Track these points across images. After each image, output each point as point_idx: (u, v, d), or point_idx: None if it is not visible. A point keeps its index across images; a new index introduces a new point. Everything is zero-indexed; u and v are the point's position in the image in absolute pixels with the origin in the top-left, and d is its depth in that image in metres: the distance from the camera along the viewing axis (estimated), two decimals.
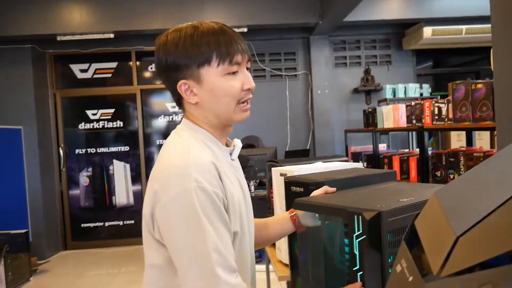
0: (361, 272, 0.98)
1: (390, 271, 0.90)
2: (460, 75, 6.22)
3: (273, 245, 2.24)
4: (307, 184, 1.38)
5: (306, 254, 1.33)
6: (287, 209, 1.53)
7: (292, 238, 1.40)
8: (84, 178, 5.90)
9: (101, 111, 5.89)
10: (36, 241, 5.19)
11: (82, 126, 5.88)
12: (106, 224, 5.92)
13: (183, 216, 0.91)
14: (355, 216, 0.98)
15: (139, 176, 5.91)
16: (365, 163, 4.09)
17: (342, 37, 5.86)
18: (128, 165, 5.89)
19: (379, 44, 5.94)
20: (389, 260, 0.97)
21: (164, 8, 5.07)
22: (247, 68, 1.06)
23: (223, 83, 1.01)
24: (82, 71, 5.89)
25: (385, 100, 5.05)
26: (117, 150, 5.90)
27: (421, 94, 5.10)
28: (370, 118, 4.39)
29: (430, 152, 3.27)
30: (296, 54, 5.85)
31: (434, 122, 3.24)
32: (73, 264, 5.27)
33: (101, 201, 5.93)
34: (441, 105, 3.20)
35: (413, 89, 5.03)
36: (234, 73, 1.02)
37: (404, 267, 0.68)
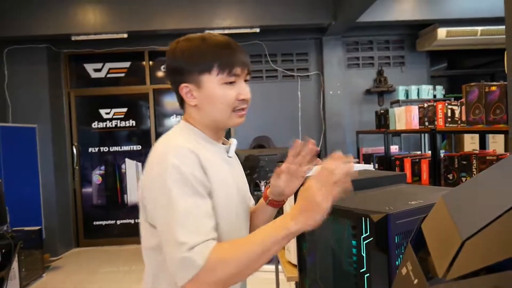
0: (368, 274, 0.98)
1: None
2: (475, 77, 6.14)
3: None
4: None
5: (314, 256, 1.33)
6: None
7: (301, 240, 1.40)
8: (96, 176, 5.97)
9: (114, 110, 5.95)
10: (49, 238, 5.26)
11: (95, 125, 5.95)
12: (118, 222, 5.98)
13: (160, 195, 1.00)
14: (363, 218, 0.98)
15: None
16: (376, 165, 4.07)
17: (355, 38, 5.83)
18: (140, 164, 5.94)
19: (392, 45, 5.90)
20: (397, 263, 0.97)
21: (178, 8, 5.10)
22: (246, 81, 1.16)
23: (220, 91, 1.11)
24: (96, 70, 5.96)
25: (398, 101, 5.02)
26: (129, 149, 5.96)
27: (435, 96, 5.05)
28: (382, 120, 4.36)
29: (442, 155, 3.24)
30: (308, 55, 5.83)
31: (447, 125, 3.22)
32: (85, 261, 5.33)
33: (113, 199, 5.99)
34: (454, 107, 3.17)
35: (427, 91, 4.98)
36: (231, 83, 1.11)
37: (409, 269, 0.68)
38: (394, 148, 4.58)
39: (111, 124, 5.95)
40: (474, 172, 2.89)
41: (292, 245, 1.89)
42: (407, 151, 4.82)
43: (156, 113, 5.97)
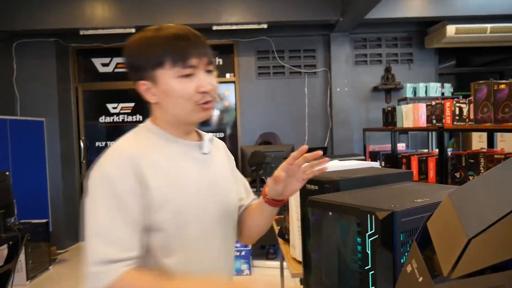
0: (372, 272, 0.98)
1: None
2: (484, 75, 6.09)
3: (287, 242, 2.25)
4: (322, 182, 1.38)
5: (319, 252, 1.33)
6: (302, 207, 1.54)
7: (306, 236, 1.40)
8: None
9: (121, 104, 5.98)
10: (56, 231, 5.30)
11: (102, 119, 5.97)
12: None
13: (88, 200, 1.01)
14: (368, 215, 0.98)
15: None
16: (383, 163, 4.06)
17: (363, 35, 5.80)
18: None
19: (400, 42, 5.86)
20: (402, 261, 0.96)
21: (185, 3, 5.10)
22: (209, 71, 1.09)
23: (176, 85, 1.05)
24: (104, 65, 5.98)
25: (405, 99, 4.99)
26: None
27: (443, 94, 5.02)
28: (389, 117, 4.34)
29: (450, 153, 3.22)
30: (316, 51, 5.82)
31: (455, 123, 3.20)
32: None
33: None
34: (462, 105, 3.15)
35: (435, 89, 4.96)
36: (188, 75, 1.05)
37: (414, 267, 0.68)
38: (401, 146, 4.56)
39: (118, 118, 5.97)
40: (482, 171, 2.87)
41: (297, 242, 1.89)
42: (414, 149, 4.80)
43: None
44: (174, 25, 1.09)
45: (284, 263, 2.57)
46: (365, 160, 3.81)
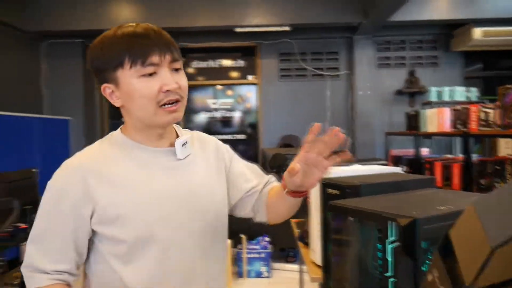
0: (393, 279, 0.97)
1: None
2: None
3: (307, 245, 2.24)
4: (343, 187, 1.37)
5: (339, 257, 1.33)
6: (322, 211, 1.53)
7: (326, 240, 1.39)
8: None
9: None
10: None
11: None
12: None
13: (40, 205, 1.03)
14: (389, 221, 0.97)
15: None
16: (405, 168, 4.00)
17: (387, 37, 5.74)
18: None
19: (425, 45, 5.78)
20: (424, 269, 0.95)
21: (208, 6, 5.15)
22: (176, 69, 1.03)
23: (137, 85, 0.99)
24: None
25: (430, 103, 4.91)
26: None
27: (469, 98, 4.92)
28: (413, 121, 4.28)
29: (475, 159, 3.15)
30: (338, 54, 5.79)
31: (480, 128, 3.13)
32: None
33: None
34: (488, 110, 3.09)
35: (460, 93, 4.86)
36: (151, 74, 0.99)
37: (435, 276, 0.67)
38: (424, 151, 4.49)
39: None
40: (508, 178, 2.80)
41: (317, 246, 1.88)
42: (438, 154, 4.72)
43: (186, 109, 6.01)
44: (135, 24, 1.02)
45: (304, 267, 2.56)
46: (387, 164, 3.77)
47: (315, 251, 1.98)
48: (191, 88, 6.18)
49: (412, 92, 5.63)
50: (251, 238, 4.11)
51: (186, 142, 1.11)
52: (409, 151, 4.34)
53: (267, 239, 4.18)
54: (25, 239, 3.09)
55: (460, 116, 3.38)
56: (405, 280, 0.96)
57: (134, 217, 0.99)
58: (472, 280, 0.60)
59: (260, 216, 1.25)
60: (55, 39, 5.58)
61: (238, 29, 5.27)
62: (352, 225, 1.20)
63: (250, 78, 5.91)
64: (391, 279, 0.98)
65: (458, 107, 3.44)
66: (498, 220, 0.67)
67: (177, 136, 1.14)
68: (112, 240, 1.00)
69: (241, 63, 5.99)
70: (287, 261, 4.32)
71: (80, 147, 4.46)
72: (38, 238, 1.01)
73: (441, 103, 4.84)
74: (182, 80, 1.04)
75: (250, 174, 1.25)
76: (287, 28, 5.25)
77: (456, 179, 3.29)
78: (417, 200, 1.18)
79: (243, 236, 4.02)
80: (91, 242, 1.04)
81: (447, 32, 5.65)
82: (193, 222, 1.06)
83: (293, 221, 2.90)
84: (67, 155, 4.59)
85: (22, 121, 4.71)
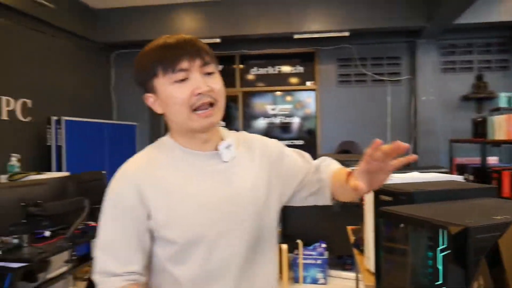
0: None
1: None
2: None
3: (362, 252, 2.22)
4: (396, 194, 1.36)
5: (391, 264, 1.32)
6: (375, 217, 1.52)
7: (378, 247, 1.39)
8: None
9: None
10: None
11: None
12: None
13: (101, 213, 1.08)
14: (440, 229, 0.96)
15: None
16: (471, 177, 3.82)
17: (452, 41, 5.52)
18: None
19: (494, 48, 5.48)
20: None
21: (268, 13, 5.23)
22: (208, 73, 1.05)
23: (171, 91, 1.03)
24: None
25: (499, 109, 4.64)
26: None
27: None
28: (479, 128, 4.08)
29: None
30: (400, 59, 5.64)
31: None
32: None
33: None
34: None
35: None
36: (182, 80, 1.02)
37: (481, 284, 0.67)
38: (492, 160, 4.26)
39: None
40: None
41: (372, 253, 1.86)
42: (508, 163, 4.45)
43: (245, 114, 6.16)
44: (169, 35, 1.08)
45: (360, 275, 2.53)
46: (449, 173, 3.63)
47: (369, 258, 1.96)
48: (251, 94, 6.31)
49: (480, 97, 5.36)
50: (307, 244, 4.10)
51: (230, 145, 1.12)
52: (475, 160, 4.13)
53: (323, 245, 4.15)
54: (95, 236, 3.29)
55: None
56: None
57: (183, 220, 1.04)
58: None
59: (322, 201, 1.25)
60: (123, 49, 5.93)
61: (297, 36, 5.31)
62: (403, 232, 1.20)
63: (308, 84, 5.92)
64: None
65: None
66: None
67: (222, 139, 1.16)
68: (164, 241, 1.05)
69: (300, 69, 6.01)
70: (344, 269, 4.26)
71: None
72: (106, 243, 1.06)
73: (511, 110, 4.56)
74: (215, 83, 1.06)
75: (303, 163, 1.23)
76: (346, 34, 5.21)
77: None
78: (472, 209, 1.15)
79: (299, 242, 4.02)
80: None
81: None
82: (238, 224, 1.08)
83: (349, 228, 2.88)
84: None
85: (94, 126, 5.05)
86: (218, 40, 5.49)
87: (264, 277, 1.15)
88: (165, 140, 1.14)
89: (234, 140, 1.15)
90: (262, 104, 6.16)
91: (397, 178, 1.72)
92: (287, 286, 3.83)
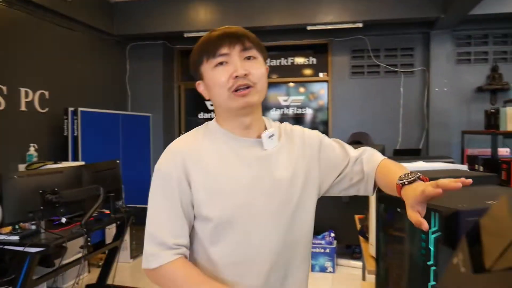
0: (434, 268, 1.00)
1: None
2: None
3: (367, 239, 2.26)
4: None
5: (390, 247, 1.36)
6: (377, 204, 1.56)
7: (379, 232, 1.43)
8: None
9: None
10: None
11: (201, 115, 6.38)
12: None
13: (150, 187, 1.16)
14: (432, 212, 1.00)
15: None
16: (481, 167, 3.81)
17: (467, 32, 5.44)
18: None
19: (510, 39, 5.39)
20: None
21: (282, 5, 5.24)
22: (248, 58, 1.11)
23: (212, 75, 1.11)
24: None
25: None
26: None
27: None
28: (492, 120, 4.05)
29: None
30: (413, 50, 5.60)
31: None
32: None
33: None
34: None
35: None
36: (221, 63, 1.10)
37: (460, 259, 0.71)
38: (504, 151, 4.23)
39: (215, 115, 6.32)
40: None
41: (374, 239, 1.90)
42: None
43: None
44: (218, 28, 1.15)
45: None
46: (453, 163, 3.63)
47: (372, 244, 2.01)
48: None
49: (494, 89, 5.30)
50: (316, 233, 4.15)
51: (273, 135, 1.17)
52: (487, 151, 4.11)
53: (332, 234, 4.20)
54: (109, 223, 3.37)
55: None
56: (445, 269, 0.98)
57: (219, 201, 1.09)
58: (492, 263, 0.64)
59: (363, 192, 1.25)
60: (138, 41, 6.01)
61: (310, 27, 5.31)
62: (400, 216, 1.24)
63: (321, 75, 5.92)
64: (433, 268, 1.01)
65: None
66: None
67: (266, 128, 1.21)
68: (201, 219, 1.11)
69: (313, 60, 6.01)
70: (352, 258, 4.31)
71: (159, 141, 4.89)
72: (157, 215, 1.11)
73: None
74: (253, 68, 1.11)
75: (342, 154, 1.25)
76: (359, 25, 5.19)
77: None
78: (468, 195, 1.18)
79: None
80: None
81: None
82: (273, 211, 1.12)
83: (357, 217, 2.93)
84: (148, 148, 4.99)
85: (110, 117, 5.16)
86: None
87: (297, 263, 1.18)
88: (210, 124, 1.21)
89: (276, 130, 1.20)
90: (275, 95, 6.19)
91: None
92: None
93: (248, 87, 1.09)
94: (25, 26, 4.32)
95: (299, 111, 6.09)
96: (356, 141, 4.99)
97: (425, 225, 0.87)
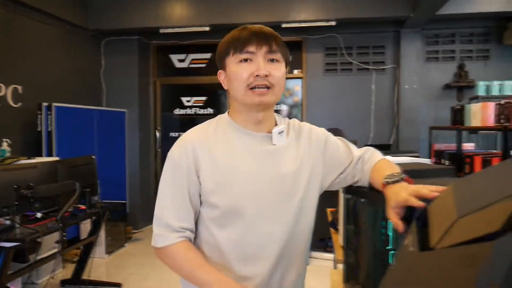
0: (393, 251, 1.10)
1: None
2: None
3: (337, 231, 2.37)
4: None
5: (357, 237, 1.46)
6: (344, 196, 1.65)
7: (347, 222, 1.53)
8: None
9: (194, 98, 6.35)
10: (132, 213, 5.79)
11: (177, 111, 6.39)
12: None
13: (162, 173, 1.23)
14: None
15: None
16: (447, 162, 3.99)
17: (436, 31, 5.64)
18: None
19: (476, 38, 5.61)
20: None
21: (256, 2, 5.31)
22: (271, 60, 1.17)
23: (236, 69, 1.17)
24: (180, 61, 6.39)
25: (477, 97, 4.81)
26: None
27: None
28: (457, 116, 4.23)
29: None
30: (385, 48, 5.76)
31: None
32: None
33: None
34: None
35: (510, 87, 4.71)
36: (246, 60, 1.16)
37: (410, 240, 0.80)
38: (469, 146, 4.43)
39: (191, 111, 6.36)
40: None
41: (342, 229, 2.00)
42: (484, 150, 4.63)
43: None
44: (252, 25, 1.22)
45: None
46: (426, 158, 3.78)
47: (342, 235, 2.11)
48: None
49: (460, 86, 5.51)
50: None
51: (283, 131, 1.23)
52: (453, 146, 4.30)
53: None
54: (84, 218, 3.38)
55: (504, 111, 3.34)
56: None
57: (227, 190, 1.16)
58: (436, 242, 0.73)
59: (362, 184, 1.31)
60: (113, 36, 5.97)
61: (284, 25, 5.40)
62: (365, 206, 1.33)
63: (296, 72, 6.02)
64: (391, 252, 1.11)
65: (502, 101, 3.40)
66: (468, 197, 0.80)
67: (276, 124, 1.27)
68: (209, 205, 1.18)
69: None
70: (326, 251, 4.44)
71: (135, 137, 4.90)
72: (165, 199, 1.19)
73: (489, 98, 4.72)
74: (275, 70, 1.17)
75: (346, 153, 1.32)
76: (332, 23, 5.31)
77: None
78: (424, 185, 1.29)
79: None
80: None
81: (501, 25, 5.47)
82: (278, 203, 1.18)
83: (328, 210, 3.03)
84: (123, 144, 4.98)
85: (84, 112, 5.12)
86: (207, 28, 5.56)
87: (299, 254, 1.25)
88: (223, 117, 1.27)
89: (285, 127, 1.26)
90: None
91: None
92: None
93: (267, 87, 1.16)
94: None
95: (275, 107, 6.16)
96: None
97: (400, 227, 0.96)
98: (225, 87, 1.24)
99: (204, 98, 6.34)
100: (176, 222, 1.17)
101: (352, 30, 5.70)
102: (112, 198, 4.67)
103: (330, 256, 4.19)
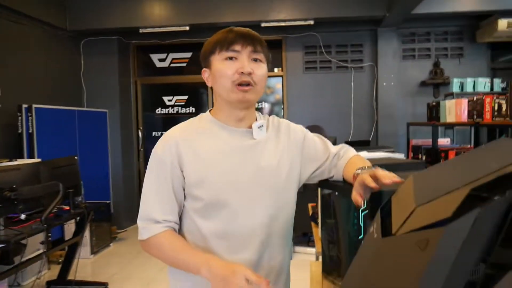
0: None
1: None
2: None
3: (318, 224, 2.45)
4: None
5: (333, 228, 1.54)
6: (321, 190, 1.73)
7: (323, 215, 1.61)
8: None
9: (176, 97, 6.38)
10: (116, 213, 5.80)
11: (158, 111, 6.41)
12: None
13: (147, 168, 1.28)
14: None
15: None
16: (424, 156, 4.12)
17: (412, 29, 5.79)
18: None
19: (450, 36, 5.79)
20: None
21: (235, 2, 5.37)
22: (255, 60, 1.23)
23: (221, 66, 1.23)
24: (161, 60, 6.40)
25: (452, 94, 4.97)
26: None
27: (492, 89, 4.93)
28: (433, 112, 4.38)
29: None
30: (363, 46, 5.88)
31: (494, 119, 3.23)
32: None
33: None
34: (501, 101, 3.18)
35: (483, 84, 4.88)
36: (231, 58, 1.22)
37: (374, 228, 0.88)
38: (445, 141, 4.58)
39: (173, 110, 6.39)
40: None
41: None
42: (459, 145, 4.79)
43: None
44: (238, 28, 1.27)
45: None
46: (404, 153, 3.91)
47: (319, 227, 2.19)
48: None
49: (436, 83, 5.68)
50: None
51: (262, 126, 1.29)
52: (429, 141, 4.44)
53: None
54: (69, 219, 3.39)
55: (476, 107, 3.48)
56: None
57: (210, 183, 1.20)
58: (397, 229, 0.81)
59: (337, 178, 1.38)
60: (92, 36, 5.95)
61: (264, 24, 5.47)
62: (339, 199, 1.42)
63: (276, 70, 6.11)
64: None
65: (474, 98, 3.54)
66: (427, 187, 0.88)
67: (256, 120, 1.32)
68: (193, 198, 1.23)
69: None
70: (308, 245, 4.54)
71: (117, 137, 4.92)
72: (149, 194, 1.24)
73: (464, 94, 4.88)
74: (257, 69, 1.23)
75: (323, 149, 1.39)
76: (311, 22, 5.40)
77: None
78: None
79: None
80: None
81: (473, 24, 5.64)
82: (259, 195, 1.24)
83: (310, 205, 3.12)
84: (105, 144, 4.99)
85: (65, 113, 5.11)
86: (187, 28, 5.60)
87: (280, 244, 1.31)
88: (205, 115, 1.33)
89: (265, 122, 1.32)
90: None
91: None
92: None
93: (249, 84, 1.21)
94: None
95: (257, 105, 6.24)
96: None
97: (359, 202, 1.07)
98: (208, 84, 1.30)
99: (185, 97, 6.37)
100: (160, 215, 1.22)
101: (331, 29, 5.80)
102: (96, 198, 4.68)
103: (312, 250, 4.29)
